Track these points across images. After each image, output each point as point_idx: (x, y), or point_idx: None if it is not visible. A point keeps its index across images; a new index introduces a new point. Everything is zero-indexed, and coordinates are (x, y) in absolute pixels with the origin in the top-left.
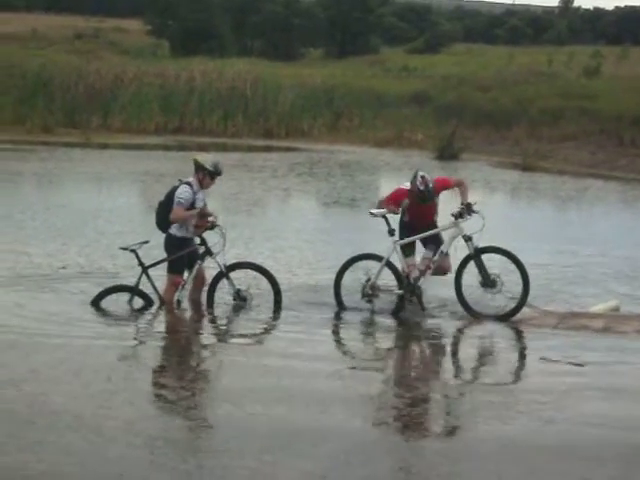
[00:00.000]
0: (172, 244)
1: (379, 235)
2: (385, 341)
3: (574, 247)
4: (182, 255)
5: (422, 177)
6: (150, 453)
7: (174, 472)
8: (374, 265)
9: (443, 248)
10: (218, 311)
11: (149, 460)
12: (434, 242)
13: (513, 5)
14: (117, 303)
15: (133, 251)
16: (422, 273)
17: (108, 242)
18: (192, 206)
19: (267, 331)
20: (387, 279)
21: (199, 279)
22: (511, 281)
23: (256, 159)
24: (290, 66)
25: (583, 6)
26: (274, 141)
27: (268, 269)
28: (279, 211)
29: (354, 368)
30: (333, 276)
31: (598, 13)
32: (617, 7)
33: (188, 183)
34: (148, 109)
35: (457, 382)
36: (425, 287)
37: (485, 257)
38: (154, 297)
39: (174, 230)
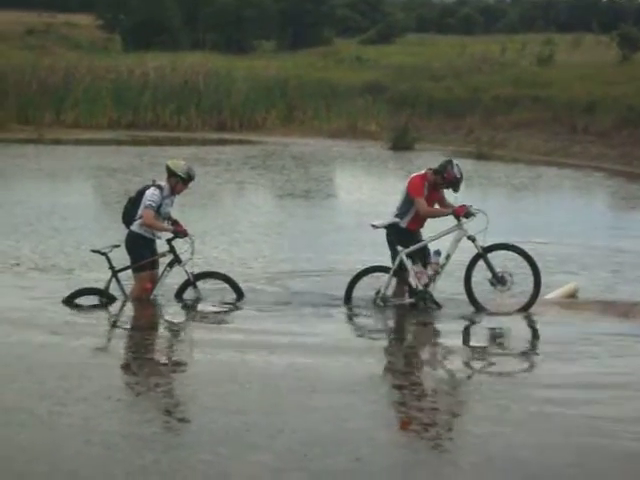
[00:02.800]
0: (133, 241)
1: (336, 227)
2: (343, 333)
3: (529, 235)
4: (145, 255)
5: (457, 165)
6: (106, 449)
7: (130, 467)
8: (383, 276)
9: (449, 251)
10: (174, 309)
11: (105, 456)
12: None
13: None
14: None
15: (104, 254)
16: (431, 278)
17: (62, 238)
18: (158, 210)
19: (223, 327)
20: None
21: (152, 283)
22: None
23: (210, 152)
24: (243, 59)
25: None
26: (228, 134)
27: (234, 280)
28: (233, 204)
29: (309, 362)
30: (290, 267)
31: (550, 1)
32: None
33: (159, 187)
34: (101, 104)
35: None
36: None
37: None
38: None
39: (135, 227)
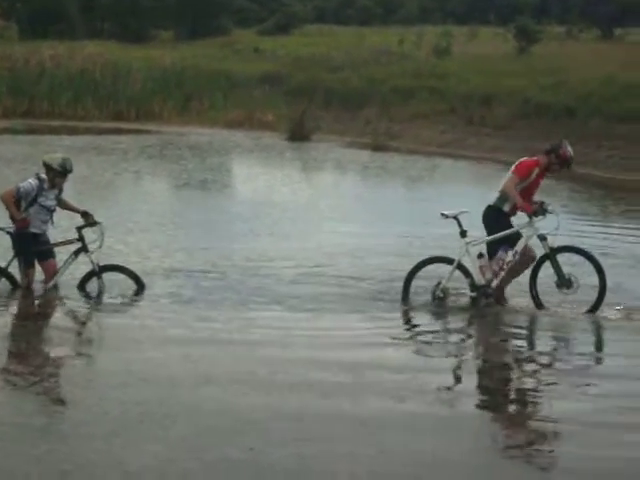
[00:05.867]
0: (21, 239)
1: (233, 217)
2: (237, 324)
3: (425, 227)
4: (30, 249)
5: (569, 144)
6: None
7: (24, 458)
8: (445, 267)
9: (517, 248)
10: (73, 299)
11: None
12: (509, 242)
13: None
14: None
15: (9, 233)
16: (495, 274)
17: None
18: (34, 201)
19: (121, 318)
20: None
21: (50, 272)
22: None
23: (106, 142)
24: (141, 48)
25: None
26: (124, 124)
27: (140, 276)
28: (130, 194)
29: (204, 353)
30: (186, 258)
31: None
32: None
33: (39, 178)
34: None
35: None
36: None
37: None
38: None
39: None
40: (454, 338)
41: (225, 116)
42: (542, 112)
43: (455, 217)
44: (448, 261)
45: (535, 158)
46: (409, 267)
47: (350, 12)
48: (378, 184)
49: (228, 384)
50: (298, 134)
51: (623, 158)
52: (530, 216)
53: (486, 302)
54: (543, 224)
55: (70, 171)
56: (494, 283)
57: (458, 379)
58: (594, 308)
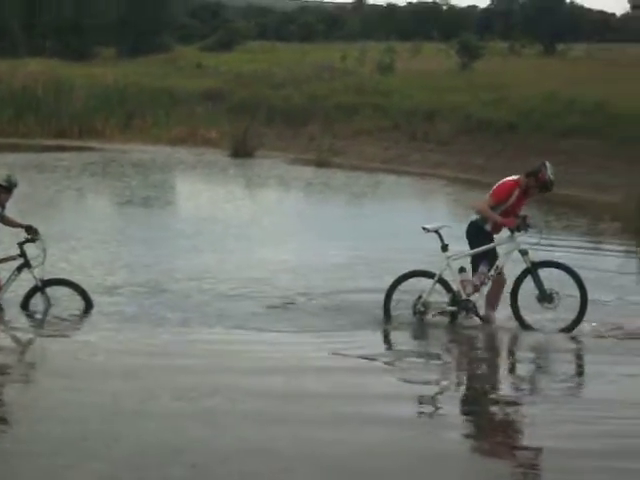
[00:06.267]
0: None
1: (176, 234)
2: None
3: (369, 243)
4: None
5: (550, 167)
6: None
7: None
8: (426, 281)
9: (499, 263)
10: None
11: None
12: (490, 257)
13: (306, 2)
14: None
15: None
16: (476, 289)
17: None
18: None
19: (63, 335)
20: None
21: None
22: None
23: (49, 159)
24: (83, 66)
25: (376, 2)
26: (67, 141)
27: (85, 289)
28: (72, 211)
29: (146, 371)
30: (129, 275)
31: (391, 9)
32: (409, 3)
33: None
34: None
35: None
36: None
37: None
38: None
39: None
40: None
41: (168, 133)
42: (484, 128)
43: (436, 231)
44: (429, 275)
45: (516, 178)
46: (353, 284)
47: (292, 28)
48: (321, 200)
49: (170, 401)
50: (241, 151)
51: (566, 174)
52: (512, 230)
53: (466, 316)
54: (524, 239)
55: (15, 186)
56: (475, 297)
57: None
58: (574, 324)
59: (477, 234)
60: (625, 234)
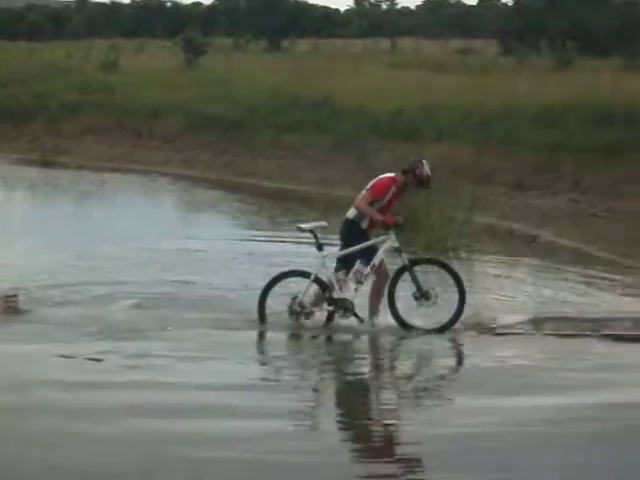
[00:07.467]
0: None
1: None
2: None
3: (94, 243)
4: None
5: (427, 163)
6: None
7: None
8: (302, 281)
9: (375, 261)
10: None
11: None
12: (367, 255)
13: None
14: None
15: None
16: (354, 288)
17: None
18: None
19: None
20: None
21: None
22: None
23: None
24: None
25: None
26: None
27: None
28: None
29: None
30: None
31: (115, 7)
32: (134, 1)
33: None
34: None
35: None
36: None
37: None
38: None
39: None
40: None
41: None
42: (211, 124)
43: (311, 230)
44: (305, 275)
45: (392, 175)
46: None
47: (21, 27)
48: (46, 201)
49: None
50: None
51: (291, 168)
52: (388, 228)
53: (343, 315)
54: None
55: None
56: (352, 296)
57: None
58: (451, 322)
59: (352, 232)
60: None
